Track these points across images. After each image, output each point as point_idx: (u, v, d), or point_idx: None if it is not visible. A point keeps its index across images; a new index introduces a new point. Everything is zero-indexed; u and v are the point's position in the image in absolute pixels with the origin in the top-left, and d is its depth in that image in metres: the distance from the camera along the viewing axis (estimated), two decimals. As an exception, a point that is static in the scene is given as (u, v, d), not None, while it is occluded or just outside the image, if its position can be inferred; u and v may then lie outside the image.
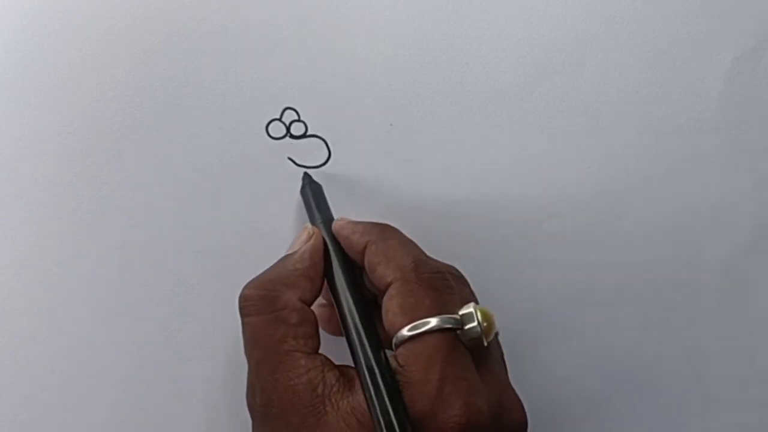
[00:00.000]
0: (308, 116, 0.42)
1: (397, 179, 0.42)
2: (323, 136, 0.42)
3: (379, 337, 0.35)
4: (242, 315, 0.36)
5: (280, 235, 0.41)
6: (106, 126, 0.42)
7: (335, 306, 0.36)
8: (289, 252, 0.38)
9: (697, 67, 0.44)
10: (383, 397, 0.32)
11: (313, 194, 0.40)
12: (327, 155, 0.42)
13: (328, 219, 0.39)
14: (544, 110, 0.44)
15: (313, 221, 0.39)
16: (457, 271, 0.37)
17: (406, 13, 0.44)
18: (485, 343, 0.34)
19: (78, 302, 0.40)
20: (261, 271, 0.38)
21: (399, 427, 0.31)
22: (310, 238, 0.38)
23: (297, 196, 0.41)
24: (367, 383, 0.33)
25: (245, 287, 0.36)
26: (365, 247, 0.36)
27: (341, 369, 0.35)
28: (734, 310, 0.43)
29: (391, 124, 0.43)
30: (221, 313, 0.41)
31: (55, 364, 0.40)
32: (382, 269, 0.35)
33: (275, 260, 0.39)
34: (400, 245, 0.36)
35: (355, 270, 0.37)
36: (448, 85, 0.43)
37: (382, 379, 0.33)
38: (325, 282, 0.37)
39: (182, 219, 0.41)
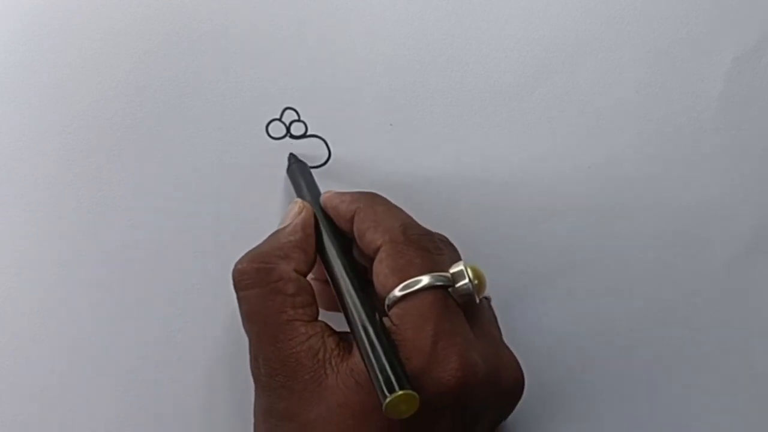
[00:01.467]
0: (308, 116, 0.42)
1: (397, 179, 0.42)
2: (323, 136, 0.42)
3: (373, 301, 0.35)
4: (237, 289, 0.36)
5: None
6: (106, 126, 0.42)
7: (328, 276, 0.37)
8: (281, 226, 0.38)
9: (697, 67, 0.44)
10: (379, 355, 0.32)
11: (300, 172, 0.41)
12: (327, 155, 0.42)
13: (315, 194, 0.39)
14: (544, 110, 0.44)
15: (301, 197, 0.39)
16: (445, 237, 0.37)
17: (406, 13, 0.44)
18: (477, 300, 0.34)
19: (78, 302, 0.40)
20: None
21: (397, 383, 0.31)
22: (301, 211, 0.38)
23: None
24: (363, 342, 0.33)
25: (238, 262, 0.36)
26: (353, 215, 0.36)
27: (341, 335, 0.35)
28: (734, 310, 0.43)
29: (391, 124, 0.43)
30: (221, 313, 0.41)
31: (55, 364, 0.40)
32: (371, 234, 0.35)
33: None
34: (387, 210, 0.36)
35: (345, 241, 0.37)
36: (448, 85, 0.43)
37: (377, 338, 0.33)
38: (318, 257, 0.37)
39: (182, 219, 0.41)
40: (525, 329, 0.36)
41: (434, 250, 0.35)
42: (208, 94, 0.42)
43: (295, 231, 0.37)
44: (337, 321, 0.36)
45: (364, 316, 0.34)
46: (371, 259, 0.35)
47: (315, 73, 0.43)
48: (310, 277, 0.37)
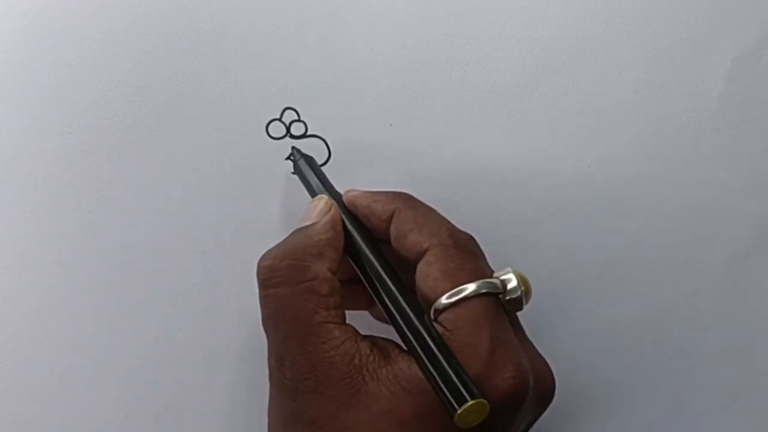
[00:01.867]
0: (308, 116, 0.42)
1: (397, 179, 0.42)
2: (323, 136, 0.42)
3: (419, 303, 0.34)
4: (265, 287, 0.34)
5: (281, 234, 0.41)
6: (106, 126, 0.42)
7: (362, 276, 0.36)
8: (308, 223, 0.36)
9: (697, 67, 0.44)
10: (442, 363, 0.31)
11: (311, 167, 0.40)
12: (327, 155, 0.42)
13: (332, 190, 0.38)
14: (544, 110, 0.44)
15: (319, 193, 0.38)
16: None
17: (406, 13, 0.44)
18: (524, 307, 0.34)
19: (78, 302, 0.40)
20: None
21: (467, 393, 0.31)
22: (329, 208, 0.37)
23: (297, 196, 0.41)
24: (420, 350, 0.32)
25: (265, 258, 0.34)
26: (391, 215, 0.36)
27: (371, 339, 0.34)
28: (734, 310, 0.43)
29: (391, 124, 0.43)
30: (221, 313, 0.41)
31: (55, 364, 0.40)
32: (414, 236, 0.35)
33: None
34: (429, 212, 0.36)
35: (374, 241, 0.36)
36: (448, 85, 0.43)
37: (436, 345, 0.32)
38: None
39: (182, 219, 0.41)
40: (524, 329, 0.36)
41: (480, 255, 0.35)
42: (208, 94, 0.42)
43: (327, 229, 0.36)
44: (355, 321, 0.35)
45: (417, 322, 0.33)
46: (408, 262, 0.35)
47: (315, 73, 0.43)
48: None
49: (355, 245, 0.36)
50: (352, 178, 0.42)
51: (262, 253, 0.40)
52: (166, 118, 0.42)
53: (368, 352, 0.33)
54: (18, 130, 0.41)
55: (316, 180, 0.39)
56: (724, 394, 0.42)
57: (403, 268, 0.35)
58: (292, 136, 0.42)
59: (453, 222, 0.37)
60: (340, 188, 0.38)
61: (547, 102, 0.44)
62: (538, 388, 0.34)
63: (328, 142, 0.42)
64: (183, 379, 0.40)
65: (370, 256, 0.36)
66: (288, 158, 0.41)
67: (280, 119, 0.42)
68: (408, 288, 0.35)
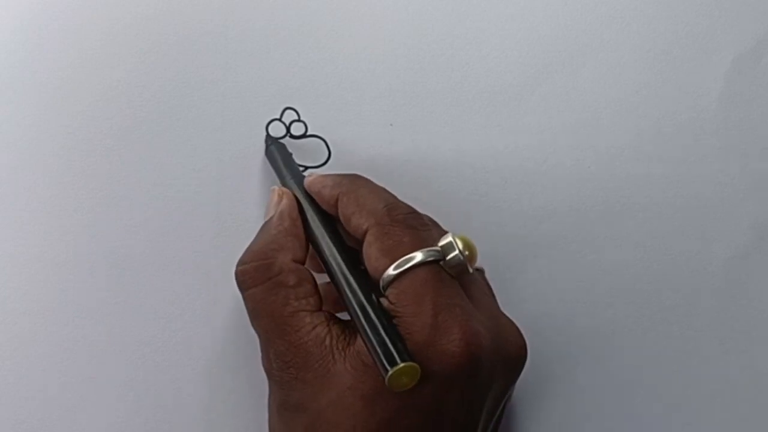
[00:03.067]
0: (308, 116, 0.42)
1: (397, 179, 0.42)
2: (323, 136, 0.42)
3: (368, 281, 0.35)
4: (242, 289, 0.36)
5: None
6: (106, 126, 0.42)
7: (319, 259, 0.37)
8: (266, 219, 0.38)
9: (697, 67, 0.44)
10: (378, 331, 0.32)
11: (279, 154, 0.40)
12: (327, 155, 0.42)
13: (298, 176, 0.39)
14: (544, 110, 0.44)
15: (283, 181, 0.39)
16: (430, 217, 0.37)
17: (406, 13, 0.44)
18: (470, 271, 0.34)
19: (78, 302, 0.40)
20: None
21: (398, 356, 0.31)
22: (281, 198, 0.38)
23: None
24: (360, 321, 0.33)
25: (238, 264, 0.36)
26: (337, 200, 0.36)
27: (346, 322, 0.35)
28: (734, 310, 0.43)
29: (391, 124, 0.43)
30: (221, 313, 0.41)
31: (55, 364, 0.40)
32: (356, 219, 0.35)
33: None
34: (370, 192, 0.36)
35: (333, 223, 0.37)
36: (448, 85, 0.43)
37: (375, 315, 0.33)
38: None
39: (182, 219, 0.41)
40: (524, 329, 0.36)
41: (421, 227, 0.35)
42: (208, 94, 0.42)
43: (282, 219, 0.37)
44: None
45: (361, 296, 0.34)
46: (360, 243, 0.35)
47: (315, 73, 0.43)
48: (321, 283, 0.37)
49: (310, 229, 0.37)
50: (352, 178, 0.42)
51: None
52: (166, 118, 0.42)
53: (339, 333, 0.34)
54: (18, 130, 0.41)
55: (281, 167, 0.40)
56: (724, 394, 0.42)
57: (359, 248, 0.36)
58: (292, 136, 0.42)
59: (451, 222, 0.37)
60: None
61: (547, 102, 0.44)
62: (505, 348, 0.34)
63: (328, 142, 0.42)
64: (183, 379, 0.40)
65: (319, 240, 0.37)
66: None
67: (280, 119, 0.42)
68: (358, 268, 0.35)
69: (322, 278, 0.37)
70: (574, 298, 0.42)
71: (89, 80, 0.42)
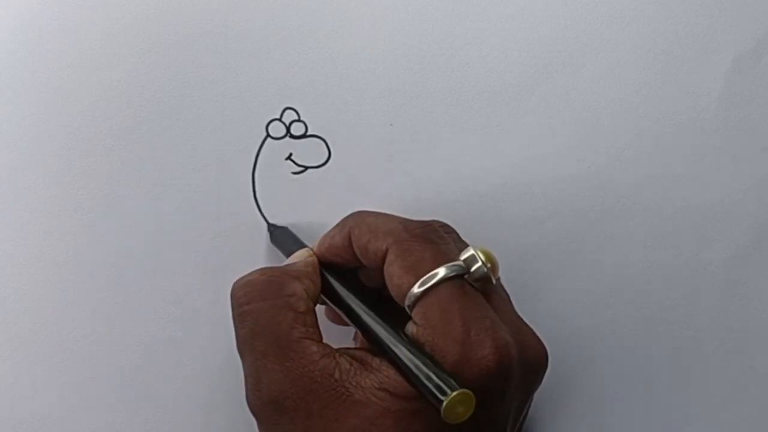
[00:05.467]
0: (308, 116, 0.42)
1: (397, 179, 0.42)
2: (323, 136, 0.42)
3: (395, 316, 0.34)
4: (241, 304, 0.35)
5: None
6: (106, 126, 0.42)
7: (344, 315, 0.36)
8: (288, 262, 0.37)
9: (697, 67, 0.44)
10: (415, 368, 0.32)
11: (286, 236, 0.40)
12: (327, 155, 0.42)
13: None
14: (544, 110, 0.44)
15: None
16: (441, 222, 0.37)
17: (406, 13, 0.44)
18: (493, 281, 0.34)
19: (78, 302, 0.40)
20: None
21: (446, 384, 0.31)
22: (311, 255, 0.37)
23: (297, 196, 0.41)
24: (398, 358, 0.32)
25: (242, 278, 0.35)
26: (349, 237, 0.36)
27: (348, 352, 0.34)
28: (734, 310, 0.43)
29: (391, 124, 0.43)
30: (221, 313, 0.41)
31: (55, 364, 0.40)
32: (373, 243, 0.35)
33: (275, 259, 0.39)
34: (378, 217, 0.36)
35: (353, 280, 0.37)
36: (448, 85, 0.43)
37: (410, 350, 0.32)
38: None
39: (182, 219, 0.41)
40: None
41: (439, 240, 0.35)
42: (208, 94, 0.42)
43: (306, 264, 0.36)
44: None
45: (391, 333, 0.33)
46: (380, 270, 0.35)
47: (315, 73, 0.43)
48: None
49: (331, 288, 0.37)
50: (353, 179, 0.42)
51: (262, 252, 0.41)
52: (166, 118, 0.42)
53: (348, 366, 0.33)
54: (18, 130, 0.41)
55: (292, 245, 0.39)
56: (724, 394, 0.42)
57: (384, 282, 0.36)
58: (292, 136, 0.42)
59: (451, 222, 0.37)
60: (339, 190, 0.39)
61: (547, 102, 0.44)
62: (529, 356, 0.34)
63: (328, 142, 0.42)
64: (183, 379, 0.40)
65: (342, 291, 0.36)
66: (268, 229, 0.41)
67: (280, 119, 0.42)
68: (386, 304, 0.35)
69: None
70: (574, 298, 0.42)
71: (89, 80, 0.42)
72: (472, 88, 0.43)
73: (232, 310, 0.35)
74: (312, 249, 0.38)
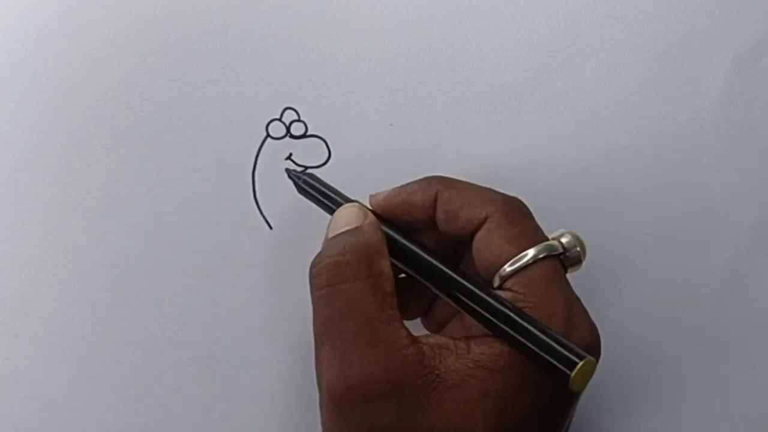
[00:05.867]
0: (308, 116, 0.42)
1: (397, 179, 0.42)
2: (323, 136, 0.42)
3: (483, 284, 0.33)
4: (331, 284, 0.32)
5: (280, 234, 0.41)
6: (106, 126, 0.42)
7: (421, 278, 0.34)
8: (348, 228, 0.34)
9: (697, 67, 0.44)
10: (536, 334, 0.31)
11: (317, 183, 0.39)
12: (327, 155, 0.42)
13: (348, 201, 0.37)
14: (544, 110, 0.43)
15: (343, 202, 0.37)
16: None
17: (406, 13, 0.44)
18: (582, 266, 0.35)
19: (78, 302, 0.40)
20: (261, 270, 0.38)
21: (573, 354, 0.30)
22: (365, 214, 0.35)
23: (297, 197, 0.41)
24: (508, 332, 0.32)
25: (325, 257, 0.33)
26: (434, 201, 0.35)
27: (425, 339, 0.33)
28: (734, 310, 0.43)
29: (391, 124, 0.43)
30: (221, 313, 0.41)
31: (55, 364, 0.40)
32: (467, 211, 0.34)
33: (275, 259, 0.39)
34: (470, 185, 0.35)
35: (418, 240, 0.35)
36: (448, 85, 0.43)
37: (524, 320, 0.32)
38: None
39: (182, 219, 0.41)
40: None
41: (534, 219, 0.35)
42: (208, 94, 0.42)
43: (375, 230, 0.34)
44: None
45: (496, 304, 0.32)
46: (460, 241, 0.34)
47: (315, 73, 0.43)
48: None
49: (401, 247, 0.35)
50: (353, 179, 0.42)
51: (263, 252, 0.40)
52: (166, 118, 0.42)
53: (432, 353, 0.32)
54: (18, 130, 0.41)
55: (330, 193, 0.38)
56: (724, 394, 0.42)
57: (449, 253, 0.35)
58: (292, 136, 0.42)
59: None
60: (341, 188, 0.38)
61: (547, 102, 0.44)
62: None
63: (328, 142, 0.42)
64: (183, 379, 0.40)
65: (423, 254, 0.34)
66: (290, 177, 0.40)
67: (280, 119, 0.42)
68: (467, 273, 0.34)
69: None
70: (574, 298, 0.42)
71: (89, 80, 0.42)
72: (472, 88, 0.43)
73: (315, 290, 0.33)
74: (358, 203, 0.36)
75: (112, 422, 0.40)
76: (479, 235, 0.34)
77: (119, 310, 0.41)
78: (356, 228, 0.34)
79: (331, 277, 0.33)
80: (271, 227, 0.41)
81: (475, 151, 0.43)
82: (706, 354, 0.42)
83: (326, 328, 0.33)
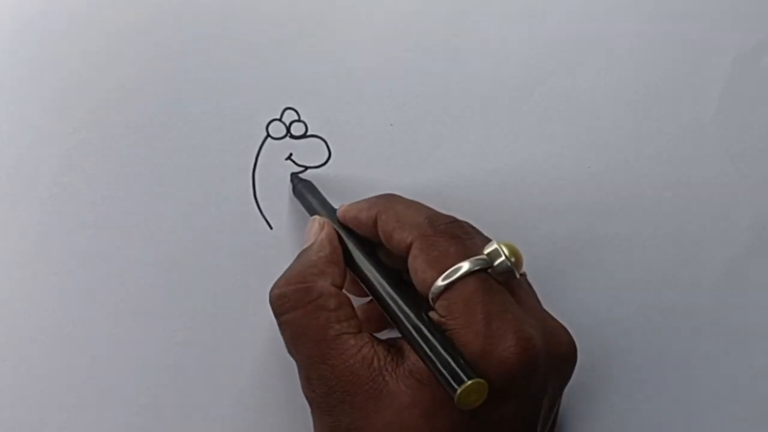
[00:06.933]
0: (308, 116, 0.42)
1: (397, 179, 0.42)
2: (323, 136, 0.42)
3: (415, 299, 0.35)
4: (279, 314, 0.35)
5: (280, 234, 0.41)
6: (107, 126, 0.42)
7: (363, 285, 0.37)
8: (306, 245, 0.38)
9: (697, 67, 0.44)
10: (438, 351, 0.32)
11: (308, 191, 0.41)
12: (327, 155, 0.42)
13: (329, 209, 0.39)
14: (544, 110, 0.44)
15: (317, 214, 0.39)
16: (470, 223, 0.37)
17: (407, 12, 0.44)
18: (517, 276, 0.35)
19: (78, 302, 0.40)
20: (261, 270, 0.38)
21: (463, 374, 0.31)
22: (322, 227, 0.38)
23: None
24: (417, 342, 0.33)
25: (274, 287, 0.36)
26: (375, 220, 0.36)
27: (388, 341, 0.35)
28: (734, 310, 0.43)
29: (391, 124, 0.43)
30: (222, 313, 0.41)
31: (55, 364, 0.40)
32: (398, 234, 0.35)
33: (275, 259, 0.39)
34: (408, 207, 0.37)
35: (371, 248, 0.37)
36: (448, 85, 0.43)
37: (431, 334, 0.33)
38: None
39: (182, 219, 0.41)
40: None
41: (464, 235, 0.35)
42: (208, 94, 0.42)
43: (323, 246, 0.37)
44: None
45: (412, 316, 0.34)
46: (403, 260, 0.35)
47: (315, 73, 0.43)
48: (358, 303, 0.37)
49: (350, 256, 0.37)
50: (353, 178, 0.42)
51: (263, 252, 0.40)
52: (167, 119, 0.42)
53: (385, 353, 0.34)
54: (20, 130, 0.41)
55: (313, 202, 0.40)
56: (724, 394, 0.42)
57: (405, 268, 0.36)
58: (292, 136, 0.42)
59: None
60: (339, 190, 0.39)
61: (547, 102, 0.44)
62: (556, 349, 0.34)
63: (328, 142, 0.42)
64: (183, 379, 0.40)
65: (360, 265, 0.37)
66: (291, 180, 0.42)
67: (280, 119, 0.42)
68: (406, 286, 0.35)
69: (356, 301, 0.37)
70: (574, 298, 0.42)
71: (90, 81, 0.42)
72: (472, 88, 0.43)
73: (275, 318, 0.36)
74: (325, 219, 0.38)
75: (112, 422, 0.40)
76: (409, 259, 0.35)
77: (119, 310, 0.41)
78: (307, 248, 0.37)
79: (276, 309, 0.35)
80: (271, 227, 0.41)
81: (475, 152, 0.43)
82: (706, 354, 0.42)
83: (289, 350, 0.36)
